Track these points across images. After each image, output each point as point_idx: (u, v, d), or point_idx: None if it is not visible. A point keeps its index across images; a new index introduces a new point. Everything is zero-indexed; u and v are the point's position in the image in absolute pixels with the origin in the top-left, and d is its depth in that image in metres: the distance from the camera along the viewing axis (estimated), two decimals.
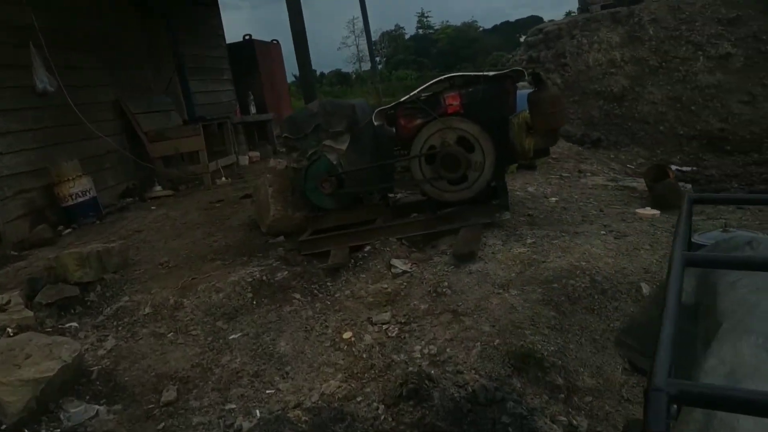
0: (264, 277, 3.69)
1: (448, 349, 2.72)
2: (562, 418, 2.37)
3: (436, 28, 53.92)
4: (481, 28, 53.00)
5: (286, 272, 3.77)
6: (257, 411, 2.58)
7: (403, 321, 3.05)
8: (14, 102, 5.66)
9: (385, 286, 3.44)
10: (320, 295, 3.55)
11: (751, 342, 0.88)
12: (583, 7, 12.12)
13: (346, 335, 3.03)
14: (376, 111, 4.02)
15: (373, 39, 17.73)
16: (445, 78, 4.01)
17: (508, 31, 46.97)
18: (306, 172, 4.14)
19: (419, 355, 2.73)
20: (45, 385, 2.70)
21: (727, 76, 9.38)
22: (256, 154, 9.69)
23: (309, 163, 4.13)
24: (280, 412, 2.54)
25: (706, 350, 0.98)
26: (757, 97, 9.02)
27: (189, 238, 4.91)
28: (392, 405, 2.44)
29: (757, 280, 1.03)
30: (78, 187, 5.85)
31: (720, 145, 8.84)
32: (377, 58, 35.24)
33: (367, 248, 3.90)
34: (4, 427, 2.55)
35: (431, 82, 4.03)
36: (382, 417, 2.40)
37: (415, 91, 3.96)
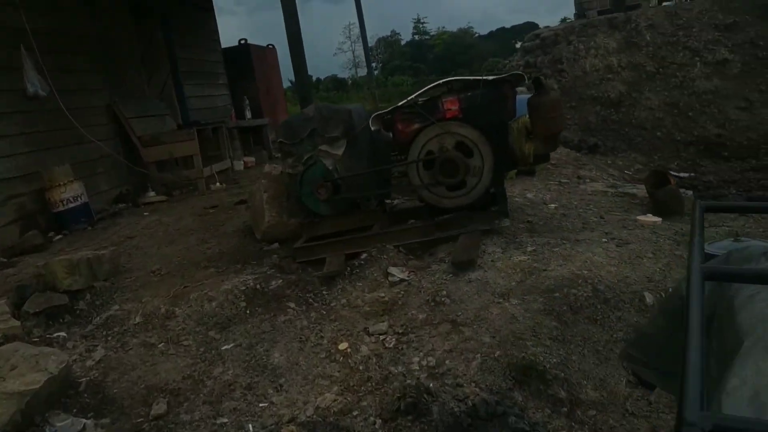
0: (258, 286, 3.61)
1: (447, 361, 2.64)
2: None
3: (432, 34, 54.21)
4: (477, 34, 53.39)
5: (281, 280, 3.69)
6: (250, 425, 2.50)
7: (400, 331, 2.97)
8: (5, 106, 5.57)
9: (382, 294, 3.36)
10: (315, 304, 3.46)
11: None
12: (580, 13, 12.15)
13: (342, 346, 2.95)
14: (373, 115, 3.95)
15: (369, 45, 17.73)
16: (443, 82, 3.95)
17: (504, 37, 47.21)
18: (302, 177, 4.07)
19: (417, 367, 2.65)
20: (31, 398, 2.60)
21: (724, 81, 9.38)
22: (251, 159, 9.60)
23: (305, 169, 4.06)
24: (273, 426, 2.45)
25: (724, 368, 0.91)
26: (755, 103, 9.02)
27: (182, 245, 4.82)
28: (390, 419, 2.36)
29: None
30: (69, 193, 5.75)
31: (717, 151, 8.84)
32: (373, 64, 35.31)
33: (364, 256, 3.82)
34: None
35: (429, 86, 3.97)
36: None
37: (413, 95, 3.90)
